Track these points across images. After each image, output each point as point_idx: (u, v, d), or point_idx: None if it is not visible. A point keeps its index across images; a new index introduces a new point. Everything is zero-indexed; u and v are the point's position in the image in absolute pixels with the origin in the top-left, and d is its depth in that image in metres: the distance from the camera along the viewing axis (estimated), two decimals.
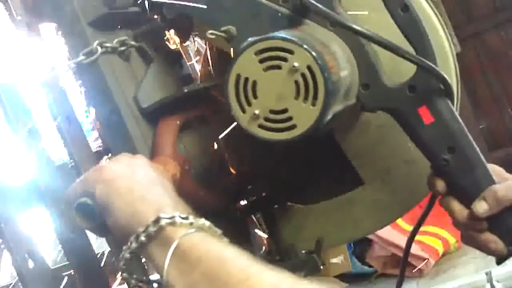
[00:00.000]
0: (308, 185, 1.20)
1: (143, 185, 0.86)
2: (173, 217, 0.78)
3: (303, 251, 1.18)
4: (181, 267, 0.75)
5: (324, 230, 1.21)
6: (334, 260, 2.29)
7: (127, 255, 0.81)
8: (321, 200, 1.21)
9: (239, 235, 1.23)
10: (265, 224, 1.24)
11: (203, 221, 0.80)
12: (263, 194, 1.16)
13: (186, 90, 1.09)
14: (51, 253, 1.66)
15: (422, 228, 2.53)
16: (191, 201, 1.05)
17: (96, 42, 1.05)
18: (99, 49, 1.04)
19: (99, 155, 1.15)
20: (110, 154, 1.10)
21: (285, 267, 1.18)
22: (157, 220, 0.78)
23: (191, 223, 0.79)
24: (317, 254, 1.13)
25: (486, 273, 2.11)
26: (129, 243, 0.80)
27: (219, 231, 0.82)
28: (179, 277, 0.75)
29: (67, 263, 1.22)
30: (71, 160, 1.11)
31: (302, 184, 1.21)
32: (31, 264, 1.05)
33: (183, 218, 0.79)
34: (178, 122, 1.08)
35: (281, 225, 1.22)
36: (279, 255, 1.21)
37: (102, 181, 0.86)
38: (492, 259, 2.16)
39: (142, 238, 0.79)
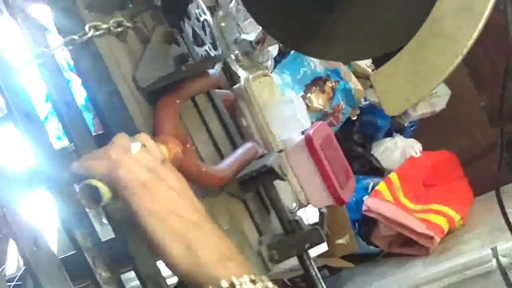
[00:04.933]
0: None
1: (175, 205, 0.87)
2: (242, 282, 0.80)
3: (308, 224, 1.19)
4: None
5: None
6: (339, 241, 2.28)
7: None
8: None
9: (242, 211, 1.23)
10: (267, 197, 1.24)
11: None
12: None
13: (184, 68, 1.08)
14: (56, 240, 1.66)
15: (426, 206, 2.55)
16: (194, 179, 1.05)
17: (88, 25, 1.04)
18: (92, 31, 1.04)
19: (98, 138, 1.14)
20: None
21: (290, 241, 1.19)
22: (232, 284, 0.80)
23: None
24: (321, 225, 1.13)
25: (492, 249, 2.11)
26: None
27: None
28: None
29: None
30: (72, 144, 1.11)
31: None
32: (37, 250, 1.04)
33: (251, 281, 0.81)
34: (178, 100, 1.07)
35: None
36: (283, 229, 1.21)
37: (122, 182, 0.86)
38: (497, 235, 2.18)
39: None
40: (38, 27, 1.17)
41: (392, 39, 1.14)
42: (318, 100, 2.52)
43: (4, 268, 1.68)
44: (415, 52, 1.11)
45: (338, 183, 1.39)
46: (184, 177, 0.97)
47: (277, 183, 1.25)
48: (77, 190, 0.88)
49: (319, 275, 1.26)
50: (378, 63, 1.22)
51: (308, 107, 2.42)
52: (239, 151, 1.25)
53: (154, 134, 1.05)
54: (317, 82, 2.56)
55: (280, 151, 1.44)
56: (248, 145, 1.29)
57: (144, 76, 1.08)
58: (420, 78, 1.11)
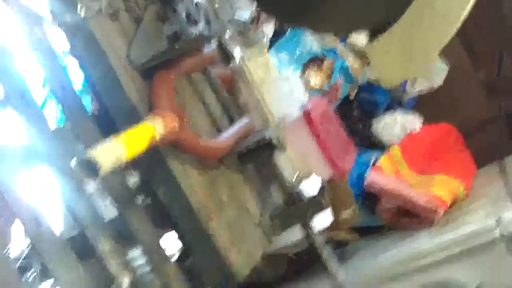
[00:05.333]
0: None
1: None
2: None
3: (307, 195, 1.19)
4: None
5: None
6: (343, 215, 2.28)
7: None
8: None
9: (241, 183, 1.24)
10: (268, 170, 1.25)
11: None
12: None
13: (177, 47, 1.09)
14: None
15: (429, 177, 2.54)
16: (192, 152, 1.06)
17: (80, 5, 1.05)
18: (83, 11, 1.04)
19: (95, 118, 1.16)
20: None
21: (291, 211, 1.20)
22: None
23: None
24: (321, 195, 1.14)
25: (496, 219, 2.12)
26: None
27: None
28: None
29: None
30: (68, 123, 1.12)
31: None
32: (40, 229, 1.05)
33: None
34: (172, 76, 1.08)
35: None
36: (284, 200, 1.22)
37: None
38: (501, 205, 2.18)
39: None
40: (32, 12, 1.18)
41: (384, 13, 1.15)
42: (316, 78, 2.52)
43: (8, 250, 1.69)
44: (409, 28, 1.12)
45: (337, 154, 1.41)
46: (182, 150, 0.98)
47: (278, 156, 1.26)
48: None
49: (323, 246, 1.27)
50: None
51: (306, 85, 2.42)
52: (237, 125, 1.25)
53: (151, 110, 1.05)
54: (314, 61, 2.56)
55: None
56: (245, 119, 1.30)
57: (138, 55, 1.09)
58: (415, 51, 1.13)
